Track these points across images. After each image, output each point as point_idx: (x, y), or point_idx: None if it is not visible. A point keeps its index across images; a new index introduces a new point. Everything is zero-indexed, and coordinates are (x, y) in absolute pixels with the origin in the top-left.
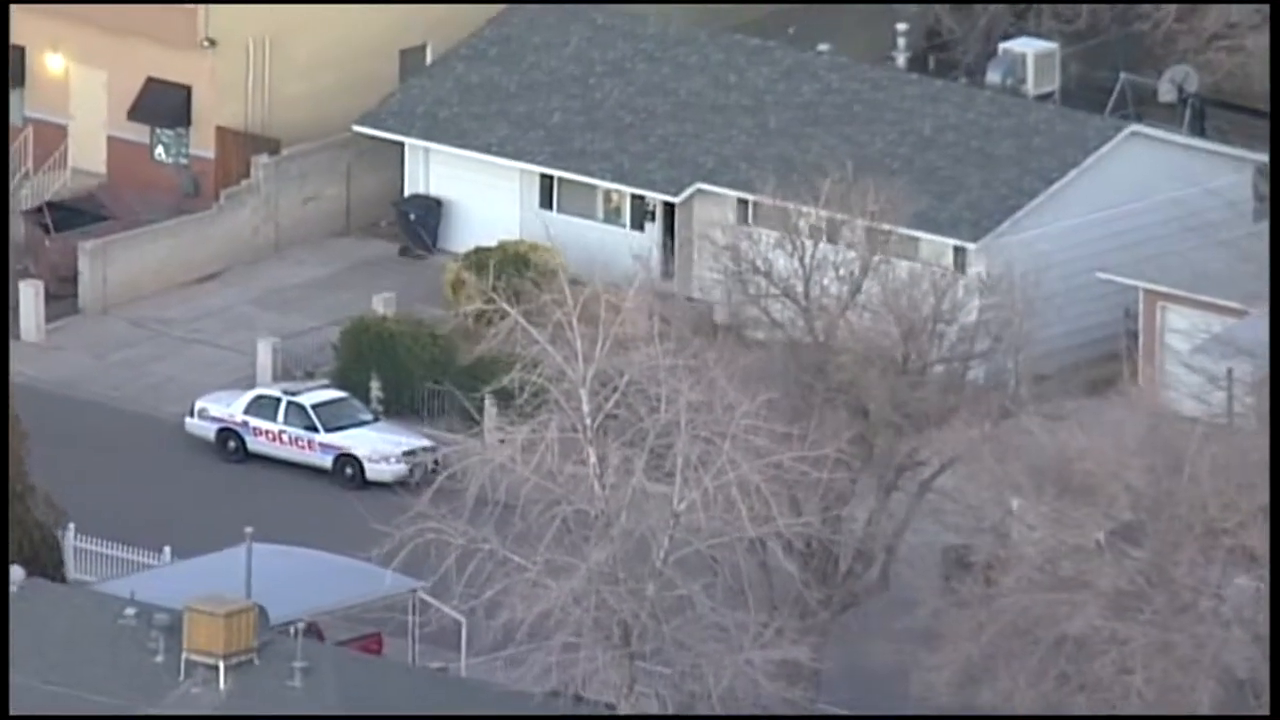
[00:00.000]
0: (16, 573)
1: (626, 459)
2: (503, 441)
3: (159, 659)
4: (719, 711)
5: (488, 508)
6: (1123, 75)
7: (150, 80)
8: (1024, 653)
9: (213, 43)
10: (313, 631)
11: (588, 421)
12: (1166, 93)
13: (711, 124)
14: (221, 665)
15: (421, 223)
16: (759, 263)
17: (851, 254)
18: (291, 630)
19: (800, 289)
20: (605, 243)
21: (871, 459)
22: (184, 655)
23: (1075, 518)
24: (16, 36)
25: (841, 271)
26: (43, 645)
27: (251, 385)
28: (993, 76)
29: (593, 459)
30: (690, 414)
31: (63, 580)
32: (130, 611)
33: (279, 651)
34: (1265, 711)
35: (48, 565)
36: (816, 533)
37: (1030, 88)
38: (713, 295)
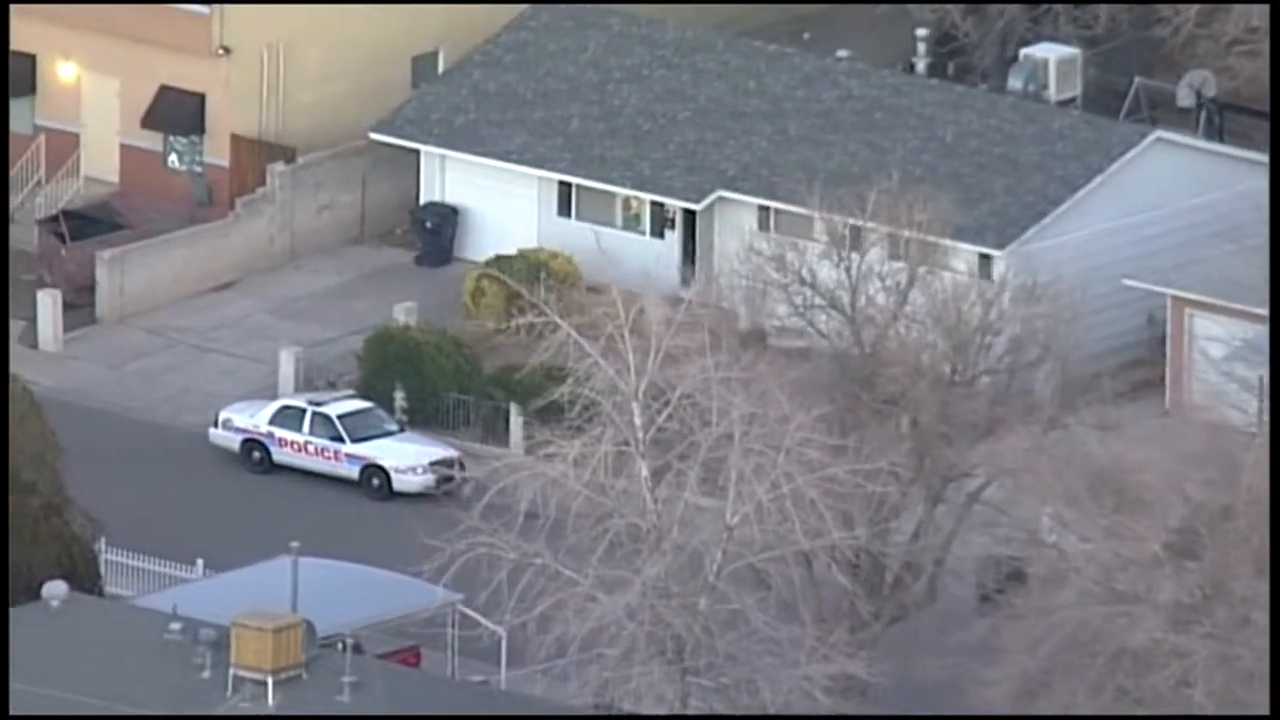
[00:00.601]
0: (59, 587)
1: (679, 472)
2: (553, 456)
3: (205, 674)
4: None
5: (538, 522)
6: (1137, 80)
7: (164, 88)
8: (1082, 666)
9: (228, 50)
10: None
11: (640, 435)
12: (1185, 98)
13: (731, 130)
14: (270, 681)
15: (438, 231)
16: (805, 273)
17: (898, 264)
18: (339, 645)
19: (846, 300)
20: (625, 250)
21: (921, 471)
22: (231, 671)
23: (1133, 530)
24: (27, 44)
25: (888, 282)
26: (87, 661)
27: (272, 395)
28: (1014, 82)
29: (644, 472)
30: (744, 427)
31: (100, 594)
32: (176, 627)
33: (327, 667)
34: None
35: (86, 579)
36: (869, 545)
37: (1052, 93)
38: (734, 303)
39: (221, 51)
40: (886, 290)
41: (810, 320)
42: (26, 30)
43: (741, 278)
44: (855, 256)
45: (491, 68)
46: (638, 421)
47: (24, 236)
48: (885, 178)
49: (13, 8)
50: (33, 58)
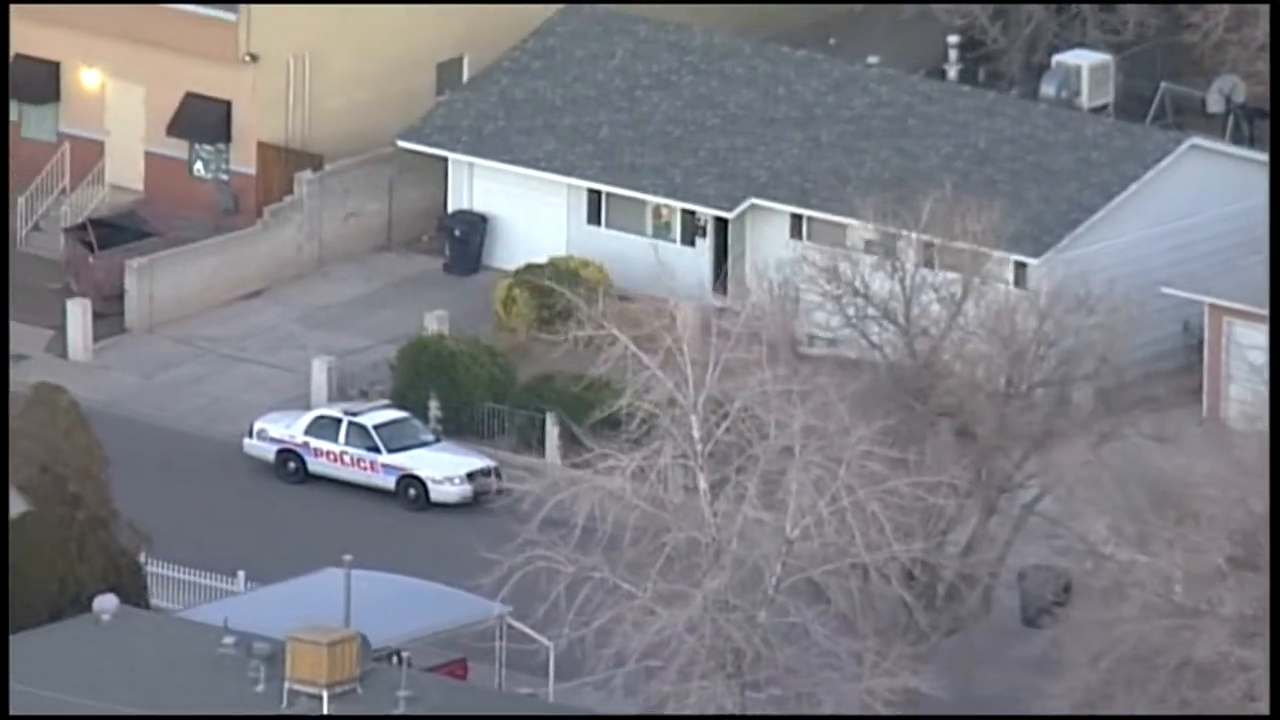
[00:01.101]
0: (110, 601)
1: (738, 485)
2: (611, 469)
3: (259, 688)
4: None
5: (593, 535)
6: (1163, 85)
7: (189, 95)
8: (1145, 680)
9: (254, 58)
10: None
11: (698, 448)
12: (1215, 103)
13: (762, 137)
14: (325, 695)
15: (466, 239)
16: (858, 284)
17: (952, 275)
18: (393, 659)
19: (900, 311)
20: (656, 258)
21: (978, 483)
22: (286, 685)
23: (1195, 542)
24: (50, 51)
25: (942, 293)
26: (140, 675)
27: (304, 405)
28: (1047, 89)
29: (703, 485)
30: (803, 439)
31: (147, 607)
32: (229, 641)
33: (381, 681)
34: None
35: (132, 592)
36: (929, 558)
37: (1085, 100)
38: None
39: (248, 59)
40: (940, 301)
41: (863, 331)
42: (49, 37)
43: (793, 288)
44: (909, 268)
45: (519, 74)
46: (696, 434)
47: (49, 244)
48: (937, 187)
49: (38, 16)
50: (56, 65)
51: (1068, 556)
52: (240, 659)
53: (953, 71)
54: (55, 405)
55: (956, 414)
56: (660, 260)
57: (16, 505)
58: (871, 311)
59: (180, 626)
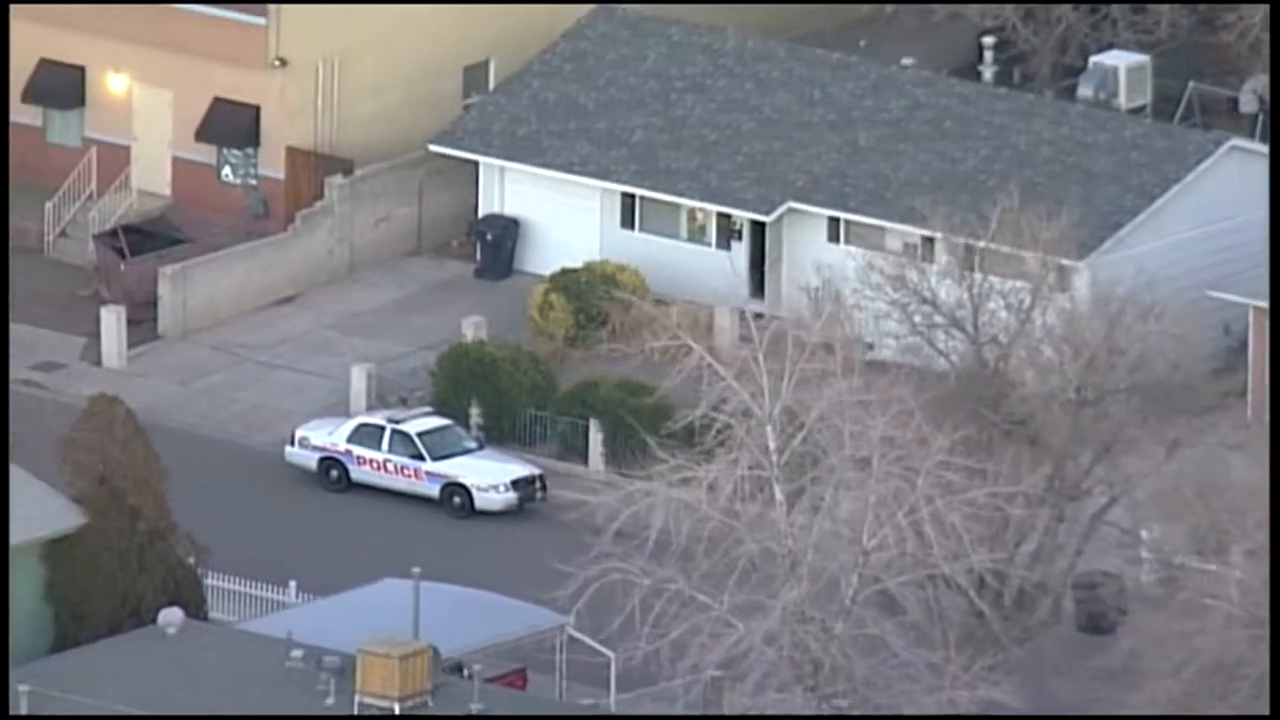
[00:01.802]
0: (175, 614)
1: (814, 496)
2: (686, 480)
3: (329, 701)
4: None
5: (668, 547)
6: (1191, 84)
7: (217, 100)
8: (1228, 691)
9: (283, 62)
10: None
11: (774, 458)
12: (1248, 103)
13: (799, 141)
14: (396, 708)
15: (498, 243)
16: (926, 292)
17: (1020, 283)
18: (462, 671)
19: (969, 319)
20: (690, 262)
21: (1050, 491)
22: (357, 698)
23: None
24: (75, 56)
25: (1010, 300)
26: (208, 689)
27: (342, 412)
28: (1084, 90)
29: (779, 496)
30: (881, 450)
31: (205, 619)
32: (297, 654)
33: (452, 694)
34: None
35: (191, 605)
36: (1004, 568)
37: (1122, 101)
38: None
39: (277, 63)
40: (1009, 308)
41: (929, 339)
42: (75, 42)
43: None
44: (978, 276)
45: (550, 78)
46: (772, 445)
47: (77, 251)
48: (1006, 194)
49: (64, 21)
50: (82, 70)
51: (1140, 566)
52: (309, 672)
53: (988, 73)
54: (112, 416)
55: (1028, 423)
56: (736, 271)
57: (74, 518)
58: (939, 319)
59: (246, 639)
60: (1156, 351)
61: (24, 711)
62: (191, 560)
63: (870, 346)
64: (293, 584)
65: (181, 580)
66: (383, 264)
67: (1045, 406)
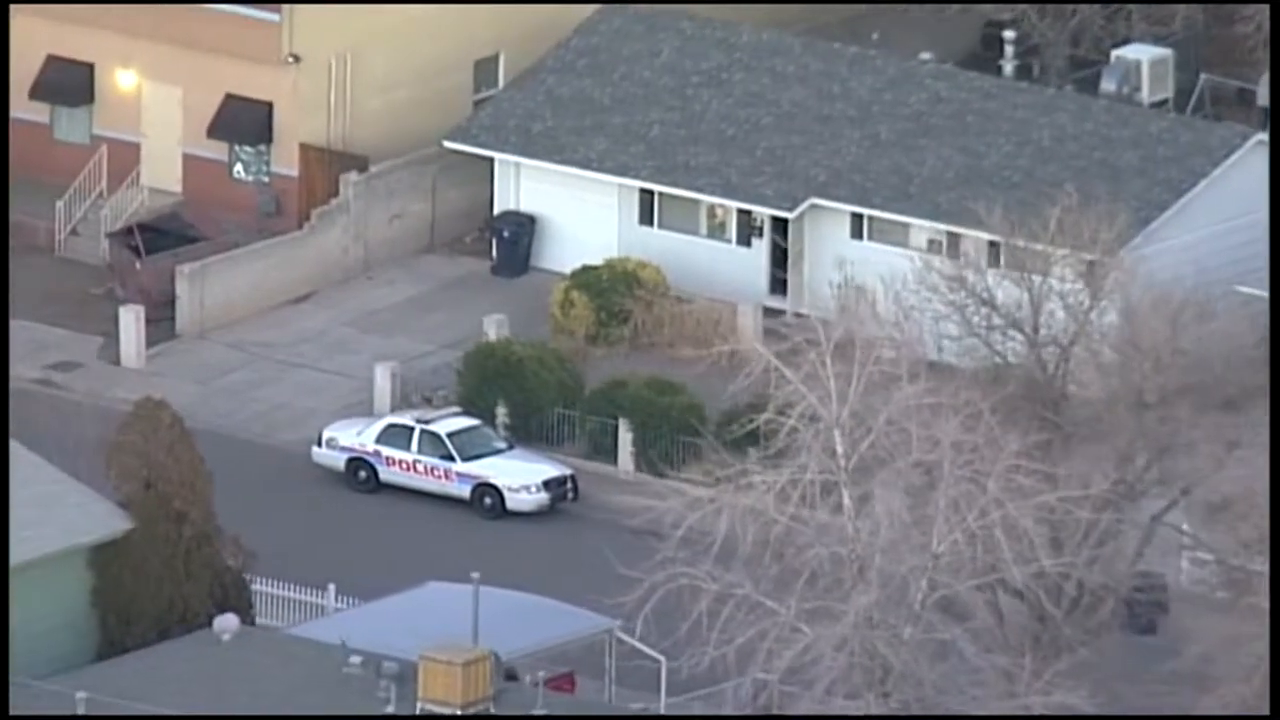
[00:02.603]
0: (230, 621)
1: (883, 500)
2: (753, 485)
3: (390, 708)
4: None
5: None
6: (1203, 76)
7: (229, 96)
8: None
9: (297, 59)
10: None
11: (842, 463)
12: (1265, 96)
13: (819, 136)
14: (459, 714)
15: (515, 240)
16: (984, 293)
17: (1079, 284)
18: (520, 677)
19: (1028, 320)
20: (710, 259)
21: (1114, 493)
22: (419, 705)
23: None
24: (83, 53)
25: (1069, 301)
26: (266, 696)
27: (364, 411)
28: (1107, 85)
29: (846, 501)
30: (953, 453)
31: (252, 624)
32: (355, 660)
33: (514, 700)
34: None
35: (238, 610)
36: (1074, 572)
37: (1145, 95)
38: (825, 312)
39: (291, 59)
40: (1068, 310)
41: (987, 341)
42: (83, 39)
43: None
44: (1037, 278)
45: (564, 73)
46: (840, 449)
47: (87, 249)
48: (1065, 195)
49: (72, 17)
50: (90, 66)
51: (1205, 568)
52: (368, 679)
53: (1008, 67)
54: (157, 420)
55: (1093, 424)
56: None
57: (120, 523)
58: (998, 321)
59: (302, 646)
60: (1215, 352)
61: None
62: (233, 564)
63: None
64: (331, 587)
65: (229, 585)
66: (397, 261)
67: (1109, 408)
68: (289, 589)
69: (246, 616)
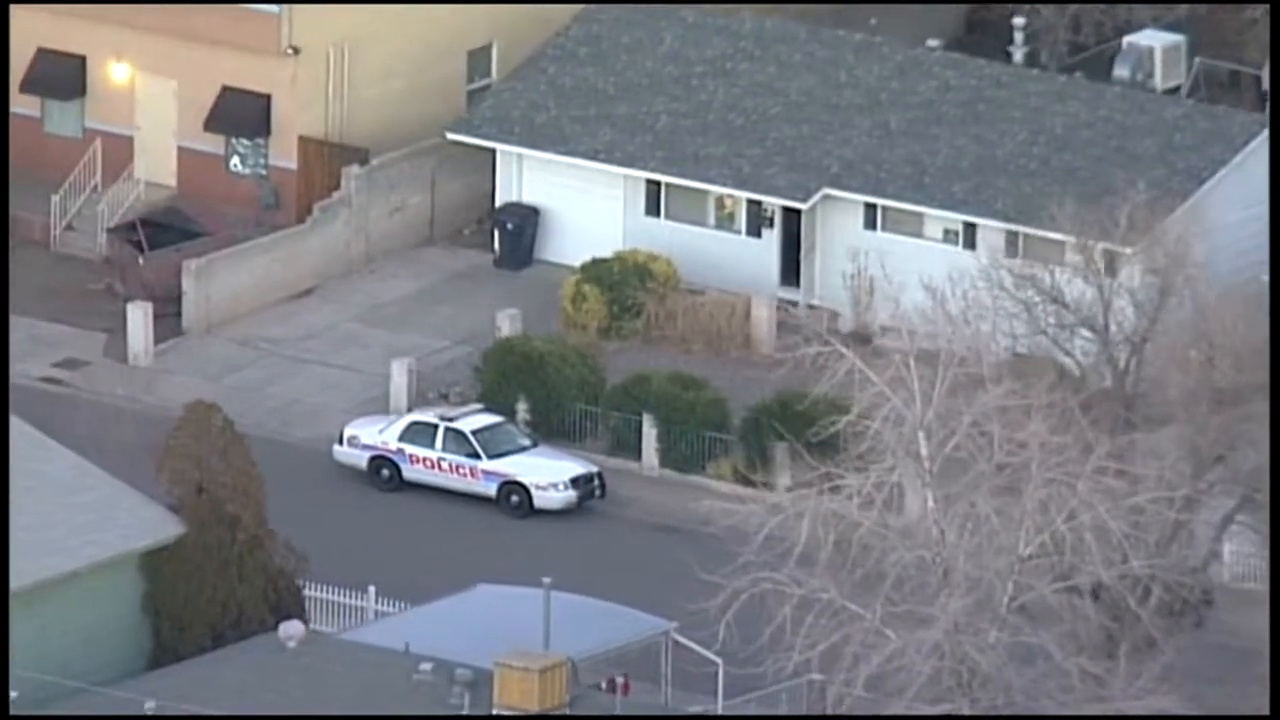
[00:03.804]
0: (296, 627)
1: (969, 503)
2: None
3: (462, 713)
4: None
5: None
6: (1198, 60)
7: (226, 89)
8: None
9: (297, 50)
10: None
11: (926, 465)
12: (1268, 81)
13: (829, 125)
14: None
15: (519, 232)
16: (1054, 291)
17: (1150, 279)
18: (601, 683)
19: (1100, 318)
20: (719, 250)
21: (1196, 491)
22: (494, 712)
23: None
24: (75, 45)
25: (1139, 298)
26: (338, 703)
27: (379, 407)
28: (1120, 71)
29: (930, 504)
30: (1041, 455)
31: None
32: (426, 667)
33: (590, 706)
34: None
35: (291, 614)
36: (1160, 573)
37: (1158, 82)
38: (837, 303)
39: (290, 51)
40: (1138, 308)
41: (1054, 339)
42: (74, 31)
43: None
44: (1109, 277)
45: (565, 63)
46: (924, 452)
47: (84, 243)
48: (1135, 191)
49: (63, 9)
50: (82, 59)
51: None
52: (440, 685)
53: (1019, 54)
54: (209, 423)
55: (1171, 422)
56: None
57: (173, 527)
58: (1069, 319)
59: (370, 652)
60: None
61: None
62: (285, 567)
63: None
64: (371, 589)
65: (282, 589)
66: (398, 254)
67: (1187, 406)
68: (329, 591)
69: (300, 621)
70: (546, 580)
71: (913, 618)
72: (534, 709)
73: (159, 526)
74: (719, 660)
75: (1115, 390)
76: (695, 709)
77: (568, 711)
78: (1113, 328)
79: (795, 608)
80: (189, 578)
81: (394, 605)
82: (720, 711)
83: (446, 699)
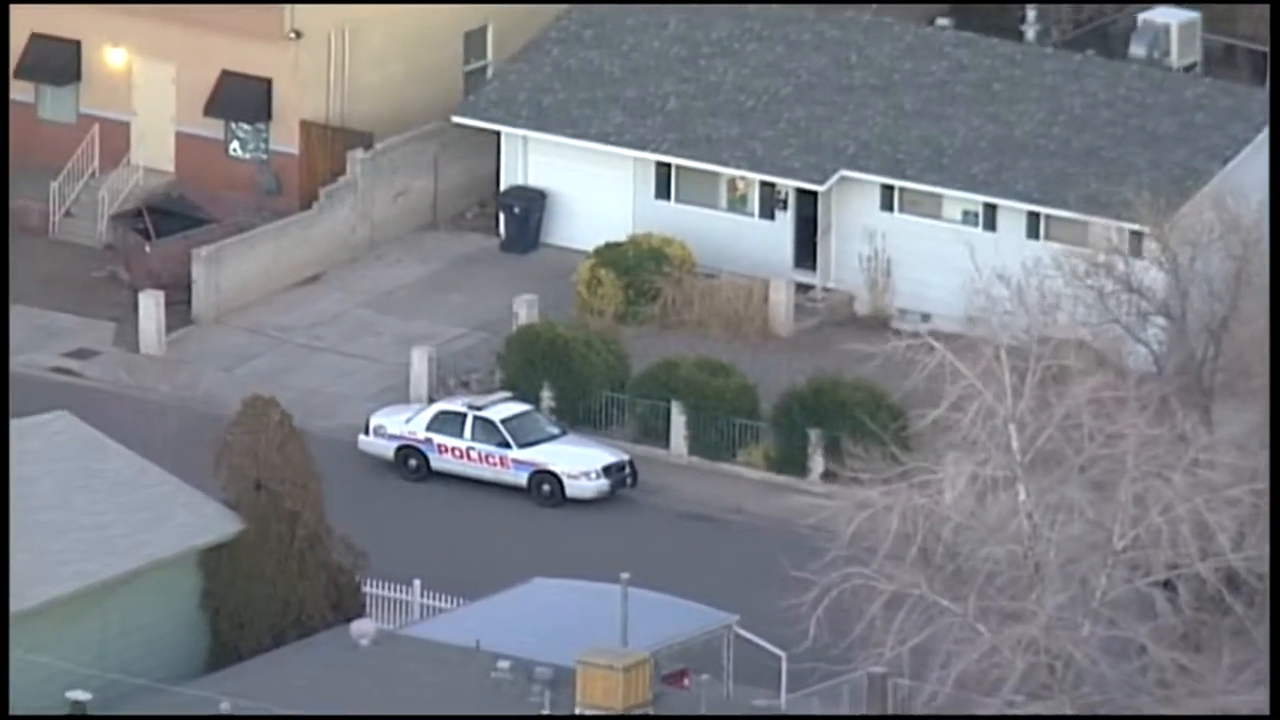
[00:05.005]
0: (368, 625)
1: (1062, 496)
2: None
3: (545, 714)
4: None
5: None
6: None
7: (226, 74)
8: None
9: (299, 34)
10: None
11: (1018, 458)
12: None
13: (842, 106)
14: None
15: (526, 216)
16: (1133, 280)
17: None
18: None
19: (1177, 306)
20: (731, 233)
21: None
22: (578, 710)
23: None
24: (70, 31)
25: (1215, 285)
26: (417, 703)
27: (397, 395)
28: (1136, 49)
29: (1022, 497)
30: (1137, 447)
31: None
32: (504, 665)
33: (672, 704)
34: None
35: (351, 611)
36: (1257, 565)
37: (1174, 60)
38: (853, 286)
39: (293, 35)
40: (1213, 294)
41: (1128, 327)
42: (69, 16)
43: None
44: (1184, 261)
45: (570, 44)
46: (1015, 445)
47: (84, 231)
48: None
49: None
50: (76, 44)
51: None
52: (519, 684)
53: (1031, 33)
54: (266, 419)
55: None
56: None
57: (232, 524)
58: (1146, 307)
59: (443, 650)
60: None
61: None
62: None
63: (925, 317)
64: (417, 583)
65: (342, 586)
66: (401, 239)
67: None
68: (373, 585)
69: (359, 618)
70: (625, 576)
71: (1000, 613)
72: (618, 708)
73: (218, 523)
74: (781, 653)
75: (1194, 380)
76: (759, 702)
77: (650, 711)
78: (1190, 315)
79: (884, 605)
80: (249, 575)
81: (440, 599)
82: (784, 705)
83: (526, 698)
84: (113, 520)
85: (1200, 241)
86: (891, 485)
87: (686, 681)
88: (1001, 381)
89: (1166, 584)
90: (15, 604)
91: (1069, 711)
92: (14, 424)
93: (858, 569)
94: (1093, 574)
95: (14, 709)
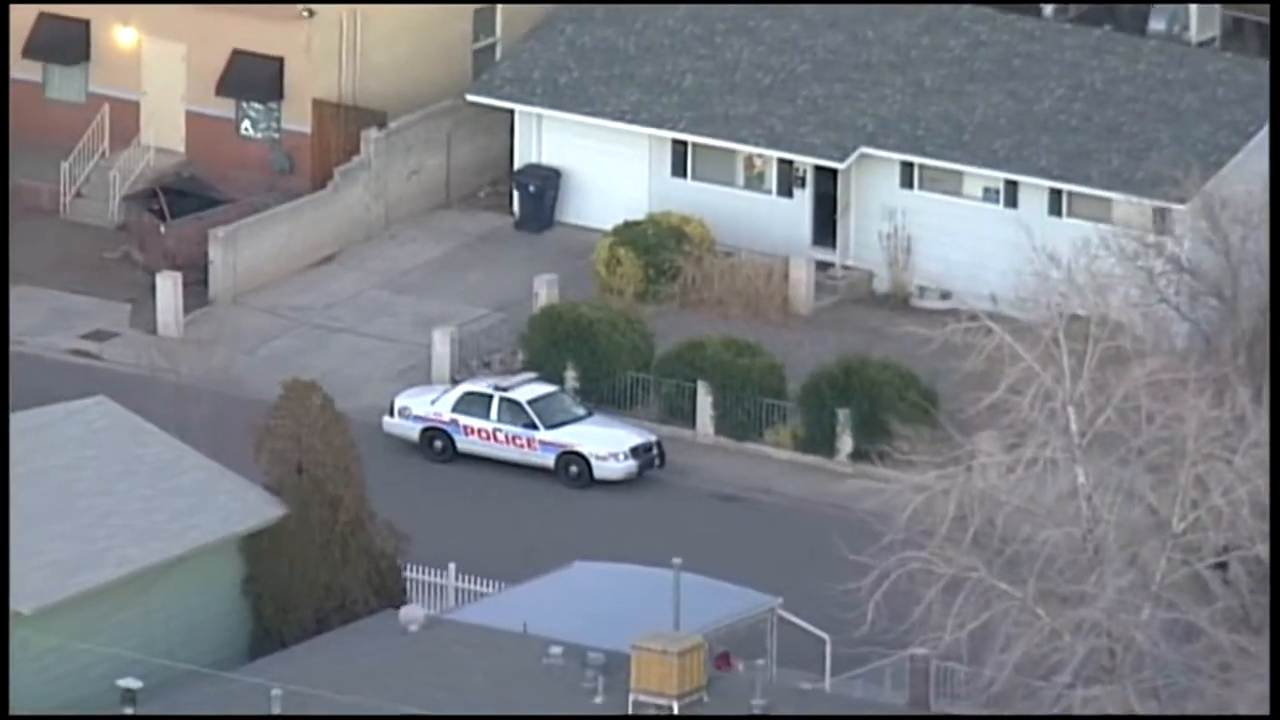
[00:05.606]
0: (416, 611)
1: (1121, 479)
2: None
3: (599, 700)
4: None
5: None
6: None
7: (237, 52)
8: None
9: (311, 13)
10: None
11: (1076, 441)
12: None
13: (860, 83)
14: (675, 706)
15: (540, 194)
16: (1184, 260)
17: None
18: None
19: (1228, 286)
20: (749, 211)
21: None
22: (631, 696)
23: None
24: (78, 10)
25: (1262, 265)
26: (469, 689)
27: (418, 376)
28: (1156, 25)
29: (1081, 479)
30: (1197, 429)
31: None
32: (556, 650)
33: (725, 689)
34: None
35: (394, 596)
36: None
37: (1193, 35)
38: (872, 263)
39: (306, 14)
40: (1260, 273)
41: (1176, 306)
42: None
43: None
44: (1233, 240)
45: (583, 22)
46: (1074, 427)
47: (95, 211)
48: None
49: None
50: (85, 23)
51: None
52: (573, 670)
53: (1049, 9)
54: (308, 403)
55: None
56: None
57: (274, 509)
58: (1197, 287)
59: (493, 635)
60: None
61: (277, 712)
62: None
63: (945, 295)
64: (452, 566)
65: (385, 571)
66: (415, 218)
67: None
68: (412, 570)
69: (401, 603)
70: (677, 561)
71: (1059, 597)
72: (673, 692)
73: (260, 508)
74: (826, 636)
75: (1247, 361)
76: (805, 685)
77: (705, 696)
78: (1240, 296)
79: (943, 589)
80: (291, 560)
81: (475, 582)
82: (828, 688)
83: (580, 684)
84: (156, 506)
85: (1251, 221)
86: (946, 469)
87: (733, 665)
88: (1060, 364)
89: (1220, 565)
90: (60, 591)
91: (1131, 696)
92: (52, 409)
93: (914, 553)
94: (1152, 557)
95: (63, 697)
